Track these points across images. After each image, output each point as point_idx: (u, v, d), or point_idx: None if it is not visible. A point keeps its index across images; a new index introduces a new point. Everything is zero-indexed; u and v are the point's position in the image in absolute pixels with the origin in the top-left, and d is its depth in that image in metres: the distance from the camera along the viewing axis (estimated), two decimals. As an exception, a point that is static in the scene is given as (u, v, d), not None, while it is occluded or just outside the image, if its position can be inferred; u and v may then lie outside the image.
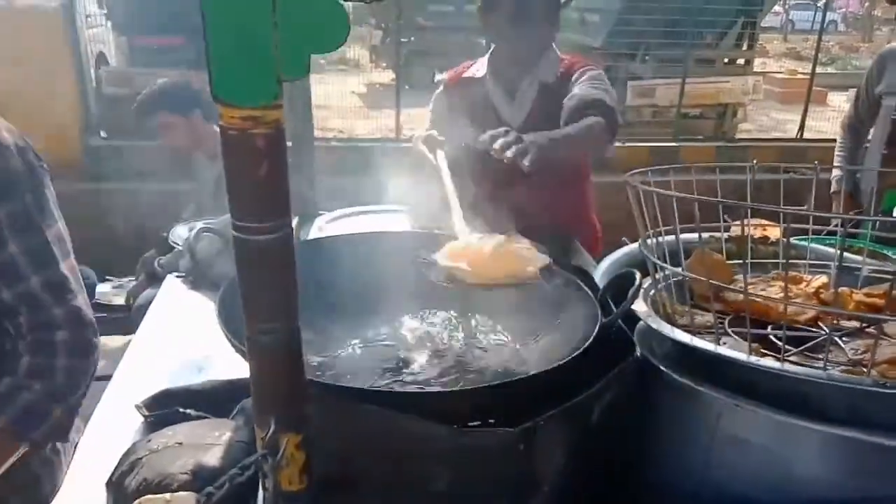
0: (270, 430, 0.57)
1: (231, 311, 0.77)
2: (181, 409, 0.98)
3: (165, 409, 1.00)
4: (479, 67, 1.77)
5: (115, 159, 4.27)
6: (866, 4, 16.27)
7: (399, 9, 6.07)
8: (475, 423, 0.67)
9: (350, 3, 0.53)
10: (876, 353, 0.74)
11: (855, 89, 2.46)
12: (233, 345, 0.71)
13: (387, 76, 9.54)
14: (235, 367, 1.05)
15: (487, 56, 1.76)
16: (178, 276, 1.54)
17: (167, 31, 5.29)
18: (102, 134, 4.69)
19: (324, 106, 7.12)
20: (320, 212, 1.49)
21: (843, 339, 0.84)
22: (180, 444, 0.88)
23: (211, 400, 1.02)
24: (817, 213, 0.72)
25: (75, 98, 4.51)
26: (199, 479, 0.81)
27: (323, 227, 1.36)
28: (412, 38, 10.33)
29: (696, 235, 1.00)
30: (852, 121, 2.41)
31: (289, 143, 1.47)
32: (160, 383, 1.08)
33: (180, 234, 2.09)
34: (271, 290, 0.53)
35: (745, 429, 0.75)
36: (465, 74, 1.77)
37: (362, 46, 11.72)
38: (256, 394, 0.58)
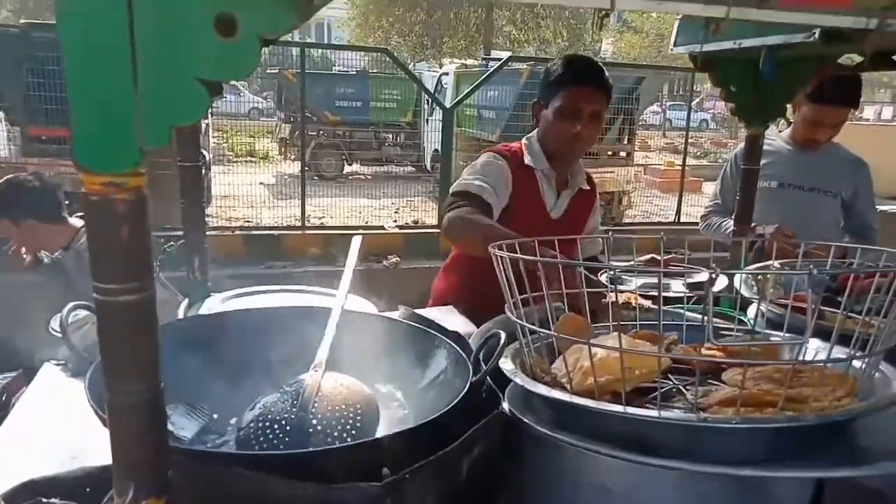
0: (129, 497, 0.57)
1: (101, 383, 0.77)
2: (45, 500, 0.92)
3: (28, 500, 0.93)
4: (531, 158, 1.90)
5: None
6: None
7: (306, 103, 6.26)
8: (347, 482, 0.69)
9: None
10: (710, 396, 0.84)
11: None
12: (99, 416, 0.71)
13: (295, 167, 9.67)
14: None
15: (538, 148, 1.91)
16: (56, 364, 1.47)
17: (64, 121, 5.19)
18: (-16, 225, 4.43)
19: (230, 196, 7.11)
20: (211, 294, 1.49)
21: (687, 387, 0.93)
22: (40, 532, 0.83)
23: (82, 487, 0.96)
24: (667, 269, 0.82)
25: (-44, 189, 4.27)
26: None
27: (212, 307, 1.37)
28: (321, 132, 10.64)
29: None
30: (717, 209, 2.65)
31: (180, 232, 1.47)
32: (27, 474, 1.02)
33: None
34: (133, 350, 0.55)
35: (602, 474, 0.81)
36: (524, 160, 1.90)
37: (271, 139, 11.88)
38: (116, 458, 0.58)
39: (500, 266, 0.95)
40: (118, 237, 0.51)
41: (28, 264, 2.46)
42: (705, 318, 1.04)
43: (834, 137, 2.37)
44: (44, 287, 2.47)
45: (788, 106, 2.11)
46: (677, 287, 1.28)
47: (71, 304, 0.85)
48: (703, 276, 1.19)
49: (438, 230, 5.43)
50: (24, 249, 2.45)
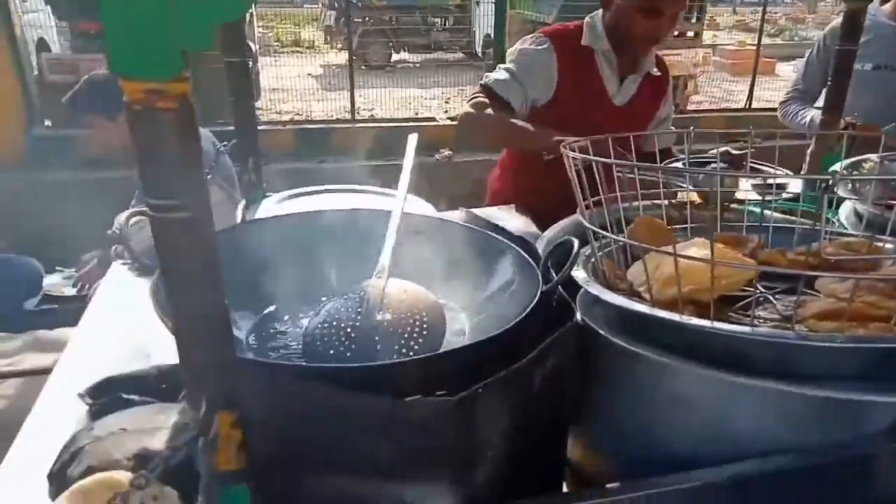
0: (203, 410, 0.57)
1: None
2: (125, 396, 0.96)
3: (109, 396, 0.98)
4: (592, 39, 1.73)
5: (60, 149, 4.14)
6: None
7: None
8: (416, 395, 0.67)
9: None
10: (804, 307, 0.77)
11: (801, 60, 2.49)
12: (167, 326, 0.70)
13: (342, 57, 9.41)
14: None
15: (601, 29, 1.73)
16: (123, 264, 1.50)
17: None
18: (47, 123, 4.52)
19: (279, 89, 7.01)
20: (268, 194, 1.47)
21: (777, 296, 0.87)
22: (124, 430, 0.86)
23: (157, 385, 1.00)
24: (726, 174, 0.74)
25: (16, 87, 4.33)
26: (146, 463, 0.80)
27: (270, 208, 1.34)
28: (367, 18, 10.21)
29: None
30: (798, 95, 2.41)
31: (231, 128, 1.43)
32: (105, 371, 1.06)
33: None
34: (192, 266, 0.52)
35: (683, 388, 0.77)
36: (582, 42, 1.73)
37: (317, 27, 11.50)
38: (186, 373, 0.57)
39: (571, 167, 0.87)
40: (165, 150, 0.47)
41: (114, 148, 2.43)
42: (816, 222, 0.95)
43: None
44: (113, 184, 2.51)
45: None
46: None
47: (128, 212, 0.83)
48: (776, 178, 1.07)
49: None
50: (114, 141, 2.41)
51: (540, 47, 1.70)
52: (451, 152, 4.83)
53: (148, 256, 0.83)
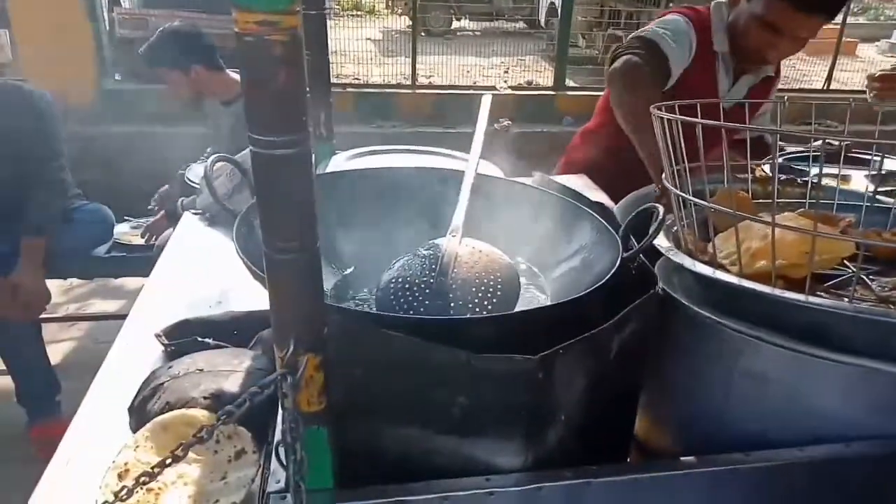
0: (290, 350, 0.57)
1: (248, 238, 0.77)
2: (200, 339, 0.99)
3: (184, 338, 1.01)
4: (715, 36, 1.57)
5: (130, 102, 4.25)
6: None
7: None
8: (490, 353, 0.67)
9: None
10: (904, 289, 0.73)
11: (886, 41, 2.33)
12: (250, 270, 0.71)
13: (402, 22, 9.33)
14: (253, 300, 1.06)
15: (723, 26, 1.56)
16: (194, 213, 1.54)
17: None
18: (117, 76, 4.65)
19: (337, 52, 7.00)
20: (336, 151, 1.47)
21: (870, 277, 0.82)
22: (201, 370, 0.89)
23: (229, 330, 1.03)
24: (853, 139, 0.70)
25: (88, 41, 4.45)
26: (220, 402, 0.82)
27: (340, 164, 1.35)
28: (429, -17, 10.07)
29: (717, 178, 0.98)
30: None
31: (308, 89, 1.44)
32: (178, 316, 1.09)
33: (198, 172, 2.09)
34: (290, 206, 0.52)
35: (765, 363, 0.74)
36: (713, 46, 1.56)
37: (377, -10, 11.41)
38: (276, 314, 0.57)
39: (662, 130, 0.84)
40: (275, 84, 0.46)
41: (186, 100, 2.46)
42: None
43: None
44: (180, 138, 2.56)
45: None
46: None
47: (214, 156, 0.84)
48: None
49: (553, 92, 5.12)
50: (186, 94, 2.44)
51: (685, 25, 1.51)
52: (509, 122, 4.76)
53: (228, 201, 0.84)
